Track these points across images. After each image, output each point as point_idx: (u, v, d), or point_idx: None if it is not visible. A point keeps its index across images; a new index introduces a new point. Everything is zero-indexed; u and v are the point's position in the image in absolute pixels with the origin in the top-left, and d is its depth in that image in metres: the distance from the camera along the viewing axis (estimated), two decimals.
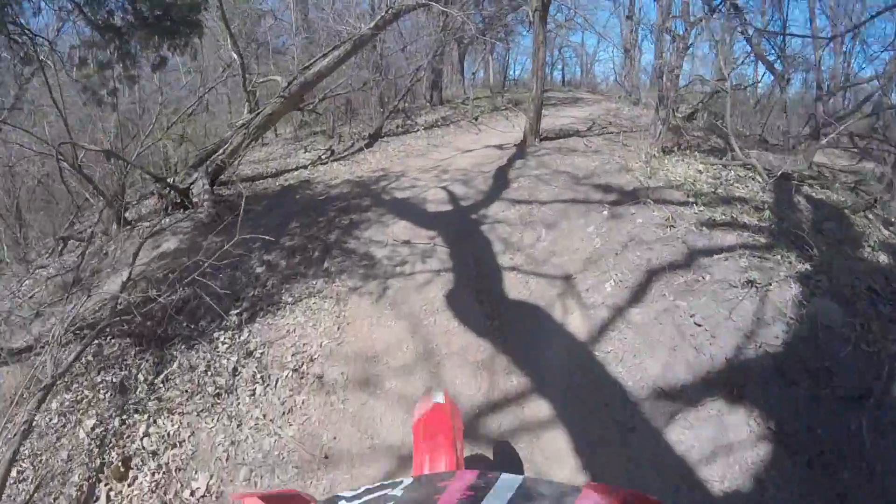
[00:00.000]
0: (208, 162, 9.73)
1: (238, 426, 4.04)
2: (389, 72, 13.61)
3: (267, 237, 5.94)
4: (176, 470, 3.78)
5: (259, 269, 6.29)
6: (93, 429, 4.03)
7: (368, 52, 12.99)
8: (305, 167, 10.89)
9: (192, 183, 9.35)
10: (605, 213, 6.35)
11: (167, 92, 11.05)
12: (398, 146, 11.94)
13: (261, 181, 10.33)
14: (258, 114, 10.30)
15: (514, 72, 24.46)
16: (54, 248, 7.83)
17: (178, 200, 9.24)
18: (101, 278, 6.14)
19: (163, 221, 8.51)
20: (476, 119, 14.38)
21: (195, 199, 8.89)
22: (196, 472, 3.76)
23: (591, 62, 22.53)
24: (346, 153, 11.71)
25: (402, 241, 6.27)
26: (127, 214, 8.38)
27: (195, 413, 4.17)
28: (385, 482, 0.74)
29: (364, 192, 8.51)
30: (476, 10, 15.78)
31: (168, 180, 9.61)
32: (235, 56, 10.85)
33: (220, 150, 9.84)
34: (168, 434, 4.02)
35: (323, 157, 11.62)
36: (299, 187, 9.50)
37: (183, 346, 4.95)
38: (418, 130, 13.28)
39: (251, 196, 9.34)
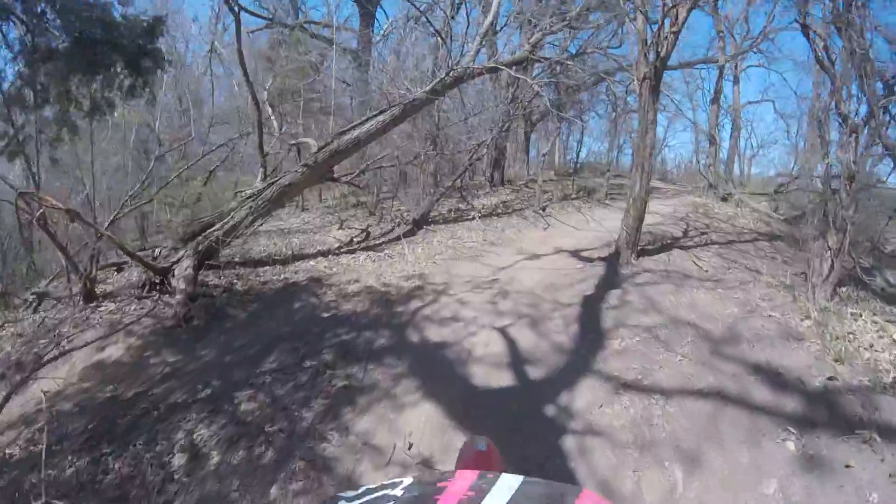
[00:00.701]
0: (201, 237, 7.56)
1: None
2: (447, 145, 11.40)
3: (225, 377, 3.48)
4: None
5: (176, 460, 3.77)
6: None
7: (425, 120, 10.93)
8: (326, 254, 8.59)
9: (175, 262, 7.18)
10: (792, 447, 3.60)
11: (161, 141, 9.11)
12: (446, 238, 9.57)
13: (265, 268, 8.04)
14: (273, 183, 8.16)
15: (582, 153, 22.17)
16: (29, 304, 6.91)
17: (157, 280, 7.09)
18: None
19: (128, 308, 6.68)
20: (544, 210, 11.93)
21: (174, 285, 6.73)
22: None
23: (661, 146, 19.85)
24: (382, 239, 9.41)
25: (417, 460, 3.64)
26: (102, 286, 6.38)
27: None
28: (385, 482, 0.72)
29: (385, 315, 6.04)
30: (550, 80, 13.59)
31: (147, 255, 7.52)
32: (254, 106, 8.86)
33: (218, 225, 7.67)
34: None
35: (356, 238, 9.39)
36: (306, 288, 7.14)
37: None
38: (473, 217, 10.92)
39: (243, 292, 7.06)
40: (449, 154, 11.49)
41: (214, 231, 7.67)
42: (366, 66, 12.87)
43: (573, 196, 13.58)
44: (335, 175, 9.46)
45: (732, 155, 17.14)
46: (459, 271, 7.70)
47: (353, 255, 8.61)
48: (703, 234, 10.29)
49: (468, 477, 0.71)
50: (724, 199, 14.06)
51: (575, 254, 8.65)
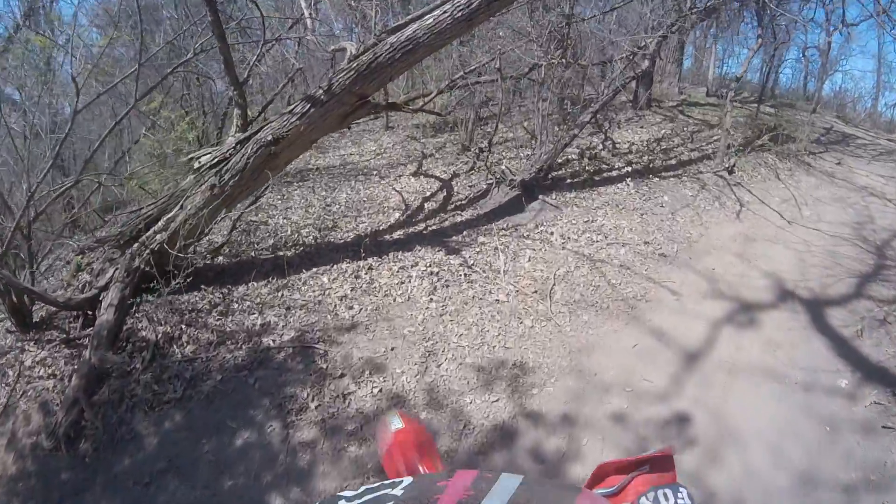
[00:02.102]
0: (138, 244, 4.22)
1: None
2: (582, 51, 7.00)
3: None
4: None
5: None
6: None
7: (547, 10, 6.56)
8: (361, 254, 5.23)
9: (103, 289, 3.98)
10: None
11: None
12: (576, 230, 5.83)
13: (245, 288, 4.71)
14: (250, 138, 4.51)
15: (728, 67, 16.52)
16: None
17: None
18: None
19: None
20: (731, 172, 7.65)
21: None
22: None
23: (830, 71, 13.69)
24: (467, 214, 5.80)
25: None
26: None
27: None
28: (385, 482, 0.74)
29: None
30: None
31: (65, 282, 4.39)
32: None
33: (162, 222, 4.23)
34: None
35: (428, 205, 6.18)
36: (284, 368, 3.83)
37: None
38: (623, 179, 6.91)
39: (179, 363, 3.86)
40: (587, 64, 7.09)
41: (156, 234, 4.23)
42: None
43: (760, 144, 9.01)
44: (396, 102, 5.54)
45: None
46: (598, 364, 4.04)
47: (405, 265, 5.05)
48: None
49: (468, 476, 0.72)
50: None
51: (820, 322, 4.79)
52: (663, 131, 9.16)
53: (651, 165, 7.57)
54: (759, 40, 8.31)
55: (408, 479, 0.74)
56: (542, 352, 4.09)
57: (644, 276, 5.10)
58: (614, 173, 7.14)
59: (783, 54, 11.49)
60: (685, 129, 9.52)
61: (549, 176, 6.50)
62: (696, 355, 4.28)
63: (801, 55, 12.90)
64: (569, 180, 6.77)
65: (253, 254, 5.24)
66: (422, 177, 7.09)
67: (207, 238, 4.86)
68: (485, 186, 6.66)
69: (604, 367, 4.02)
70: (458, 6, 4.19)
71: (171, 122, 6.54)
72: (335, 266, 5.07)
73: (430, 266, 5.07)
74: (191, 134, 6.65)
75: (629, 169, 7.28)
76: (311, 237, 5.56)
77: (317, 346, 4.13)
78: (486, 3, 4.14)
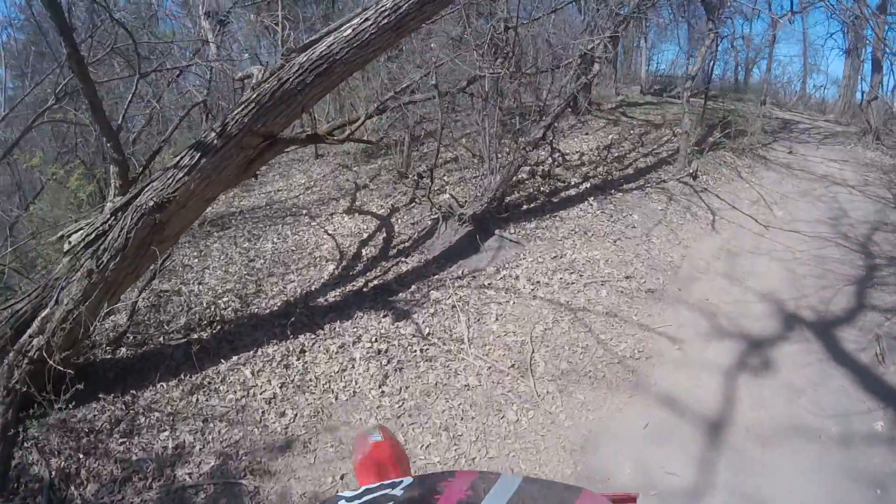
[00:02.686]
0: (15, 353, 3.07)
1: None
2: (526, 60, 6.20)
3: None
4: None
5: None
6: None
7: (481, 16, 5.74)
8: (291, 330, 4.25)
9: None
10: None
11: None
12: (545, 270, 5.01)
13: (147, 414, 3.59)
14: (128, 204, 3.43)
15: (658, 64, 16.48)
16: None
17: None
18: None
19: None
20: (694, 177, 7.05)
21: None
22: None
23: (758, 57, 13.80)
24: (411, 262, 4.96)
25: None
26: None
27: None
28: (384, 482, 0.75)
29: None
30: None
31: None
32: None
33: (36, 324, 3.08)
34: None
35: (366, 251, 5.40)
36: None
37: None
38: (583, 197, 6.18)
39: None
40: (533, 72, 6.28)
41: (32, 338, 3.11)
42: None
43: (715, 142, 8.48)
44: (318, 132, 4.55)
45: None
46: (607, 463, 3.21)
47: (345, 342, 4.09)
48: None
49: (468, 477, 0.72)
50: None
51: (835, 350, 4.21)
52: (610, 136, 8.53)
53: (609, 178, 6.87)
54: (711, 34, 7.79)
55: (408, 480, 0.73)
56: (536, 456, 3.18)
57: (636, 324, 4.29)
58: (573, 192, 6.37)
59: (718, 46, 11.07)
60: (631, 131, 8.95)
61: (504, 204, 5.63)
62: (719, 424, 3.50)
63: (730, 46, 12.79)
64: (525, 206, 5.94)
65: (162, 339, 4.14)
66: (356, 214, 6.12)
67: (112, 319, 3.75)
68: (430, 223, 5.74)
69: (616, 466, 3.15)
70: (384, 11, 3.28)
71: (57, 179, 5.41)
72: (260, 351, 4.03)
73: (376, 340, 4.09)
74: (84, 191, 5.50)
75: (587, 185, 6.54)
76: (230, 308, 4.49)
77: (243, 481, 3.08)
78: (416, 6, 3.23)
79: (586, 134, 8.59)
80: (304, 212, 6.32)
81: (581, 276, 4.76)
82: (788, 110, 13.81)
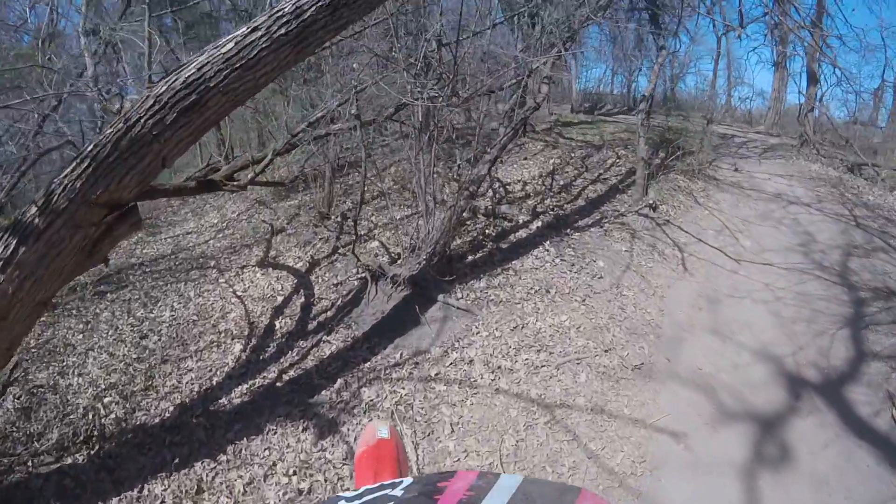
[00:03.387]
0: None
1: None
2: (462, 83, 5.30)
3: None
4: None
5: None
6: None
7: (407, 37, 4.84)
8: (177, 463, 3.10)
9: None
10: None
11: None
12: (506, 349, 4.11)
13: None
14: None
15: (586, 82, 16.37)
16: None
17: None
18: None
19: None
20: (655, 206, 6.44)
21: None
22: None
23: (684, 70, 13.87)
24: (338, 339, 4.13)
25: None
26: None
27: None
28: (384, 482, 0.76)
29: None
30: None
31: None
32: None
33: None
34: None
35: (283, 318, 4.59)
36: None
37: None
38: (537, 240, 5.41)
39: None
40: (474, 95, 5.39)
41: None
42: None
43: (666, 165, 7.92)
44: (220, 178, 3.53)
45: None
46: None
47: (255, 475, 3.14)
48: None
49: (468, 477, 0.72)
50: (852, 171, 9.00)
51: (849, 419, 3.78)
52: (552, 161, 7.82)
53: (561, 213, 6.11)
54: (663, 51, 7.28)
55: (408, 480, 0.74)
56: None
57: (629, 420, 3.45)
58: (523, 233, 5.56)
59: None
60: (572, 154, 8.29)
61: (446, 258, 4.71)
62: None
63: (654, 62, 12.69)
64: (471, 257, 5.05)
65: (31, 463, 3.03)
66: (271, 270, 5.10)
67: None
68: (357, 283, 4.77)
69: None
70: (281, 18, 2.32)
71: None
72: (146, 489, 2.98)
73: (295, 472, 3.16)
74: None
75: (539, 223, 5.74)
76: (113, 415, 3.46)
77: None
78: (328, 10, 2.30)
79: (525, 159, 7.85)
80: (213, 263, 5.49)
81: (551, 353, 3.90)
82: (718, 124, 13.84)
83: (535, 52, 5.00)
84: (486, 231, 5.58)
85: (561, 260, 5.11)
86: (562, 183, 7.09)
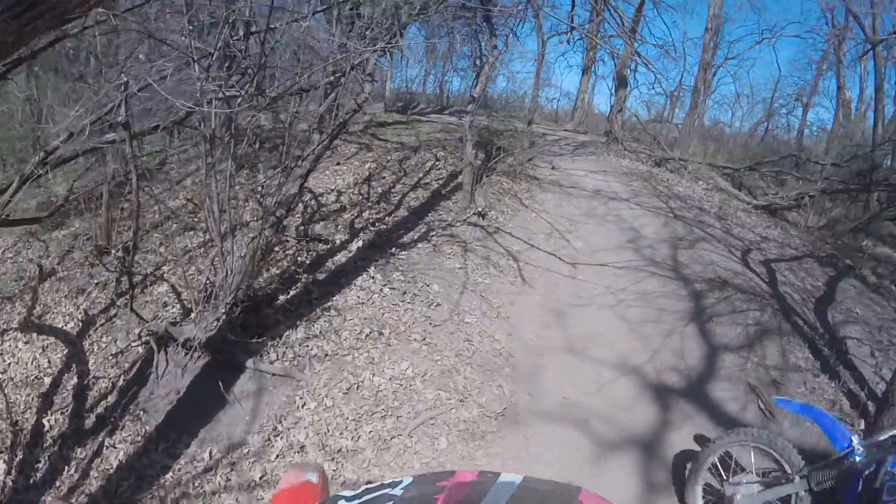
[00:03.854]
0: None
1: None
2: (263, 74, 4.31)
3: None
4: None
5: None
6: None
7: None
8: None
9: None
10: None
11: None
12: (334, 423, 3.23)
13: None
14: None
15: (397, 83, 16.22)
16: None
17: None
18: None
19: None
20: (484, 213, 6.03)
21: None
22: None
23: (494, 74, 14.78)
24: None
25: None
26: None
27: None
28: (385, 482, 0.75)
29: None
30: None
31: None
32: None
33: None
34: None
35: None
36: None
37: None
38: (359, 265, 4.64)
39: None
40: (282, 94, 4.40)
41: None
42: None
43: (489, 167, 7.60)
44: None
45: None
46: None
47: None
48: None
49: (468, 476, 0.73)
50: (659, 165, 9.78)
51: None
52: (367, 165, 7.08)
53: (383, 227, 5.41)
54: (495, 51, 6.93)
55: (408, 480, 0.74)
56: None
57: None
58: (342, 257, 4.74)
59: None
60: (388, 158, 7.60)
61: (251, 306, 3.70)
62: None
63: (472, 63, 12.85)
64: (282, 297, 4.10)
65: None
66: (36, 335, 3.76)
67: None
68: (142, 351, 3.63)
69: None
70: None
71: None
72: None
73: None
74: None
75: (359, 243, 4.97)
76: None
77: None
78: None
79: (337, 164, 7.00)
80: None
81: (399, 417, 3.12)
82: (533, 123, 14.41)
83: (357, 45, 4.22)
84: (299, 258, 4.66)
85: (390, 288, 4.38)
86: (380, 191, 6.38)
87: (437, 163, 7.49)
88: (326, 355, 3.50)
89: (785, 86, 14.04)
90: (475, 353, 3.85)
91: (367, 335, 3.74)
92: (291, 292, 4.11)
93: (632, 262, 5.66)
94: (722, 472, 2.66)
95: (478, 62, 10.21)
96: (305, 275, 4.33)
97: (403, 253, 5.03)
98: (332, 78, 4.43)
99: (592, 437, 3.30)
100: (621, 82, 12.30)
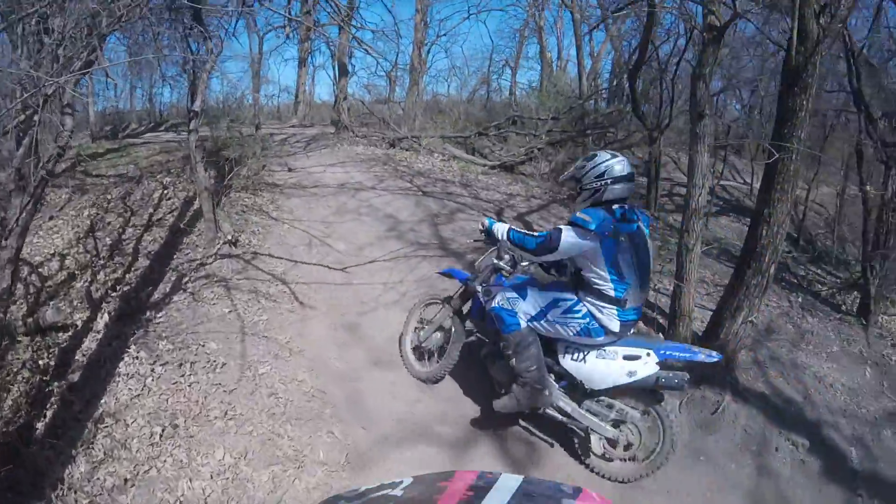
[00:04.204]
0: None
1: None
2: None
3: None
4: None
5: None
6: None
7: None
8: None
9: None
10: None
11: None
12: None
13: None
14: None
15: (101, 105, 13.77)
16: None
17: None
18: None
19: None
20: (236, 240, 5.58)
21: None
22: None
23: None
24: None
25: None
26: None
27: None
28: (385, 482, 0.81)
29: None
30: None
31: None
32: None
33: None
34: None
35: None
36: None
37: None
38: (120, 356, 3.92)
39: None
40: None
41: None
42: None
43: (227, 183, 6.87)
44: None
45: None
46: None
47: None
48: None
49: (468, 477, 0.77)
50: (394, 146, 10.23)
51: None
52: (86, 212, 5.83)
53: (128, 286, 4.70)
54: (212, 55, 6.02)
55: (408, 480, 0.80)
56: None
57: None
58: (92, 343, 3.98)
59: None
60: (109, 196, 6.30)
61: (5, 453, 2.86)
62: None
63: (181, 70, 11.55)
64: (40, 426, 3.26)
65: None
66: None
67: None
68: None
69: None
70: None
71: None
72: None
73: None
74: None
75: (105, 318, 4.21)
76: None
77: None
78: None
79: (50, 219, 5.71)
80: None
81: None
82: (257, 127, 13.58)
83: (50, 69, 3.31)
84: (40, 362, 3.76)
85: (162, 365, 3.79)
86: (109, 242, 5.43)
87: (165, 191, 6.58)
88: (126, 481, 2.88)
89: (497, 55, 16.29)
90: (287, 406, 3.58)
91: (161, 434, 3.18)
92: (49, 413, 3.29)
93: (400, 251, 5.77)
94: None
95: (187, 67, 9.16)
96: (56, 383, 3.50)
97: (161, 314, 4.39)
98: (22, 118, 3.50)
99: (440, 441, 3.35)
100: (342, 70, 12.63)
